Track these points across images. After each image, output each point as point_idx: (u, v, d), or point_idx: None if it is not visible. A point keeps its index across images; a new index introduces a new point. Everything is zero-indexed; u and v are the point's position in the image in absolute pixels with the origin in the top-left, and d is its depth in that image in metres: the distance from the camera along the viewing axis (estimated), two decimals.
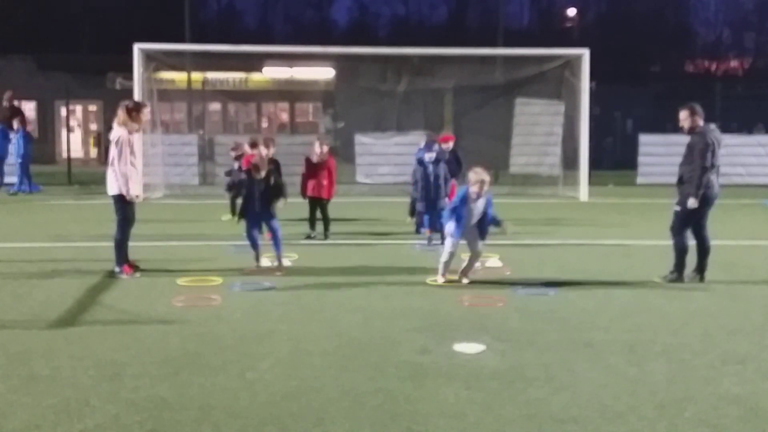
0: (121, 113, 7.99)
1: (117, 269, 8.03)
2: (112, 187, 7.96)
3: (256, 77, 32.02)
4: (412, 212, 11.11)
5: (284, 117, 34.76)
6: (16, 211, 14.25)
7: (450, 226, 7.75)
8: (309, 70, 31.62)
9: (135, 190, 7.98)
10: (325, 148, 10.76)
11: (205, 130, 24.47)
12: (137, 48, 16.92)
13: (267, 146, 10.57)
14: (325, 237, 10.64)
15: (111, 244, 8.12)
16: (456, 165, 11.45)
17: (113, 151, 7.93)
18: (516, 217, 13.42)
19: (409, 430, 4.09)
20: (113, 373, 4.94)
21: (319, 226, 10.80)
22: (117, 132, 7.95)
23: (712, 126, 7.90)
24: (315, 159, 10.72)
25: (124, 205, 8.02)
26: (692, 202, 7.72)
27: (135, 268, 8.21)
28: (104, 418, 4.20)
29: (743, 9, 51.74)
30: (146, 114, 8.27)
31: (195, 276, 7.98)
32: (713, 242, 8.09)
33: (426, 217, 10.56)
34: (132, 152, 7.93)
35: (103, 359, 5.22)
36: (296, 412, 4.32)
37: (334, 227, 10.93)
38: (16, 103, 19.63)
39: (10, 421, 4.16)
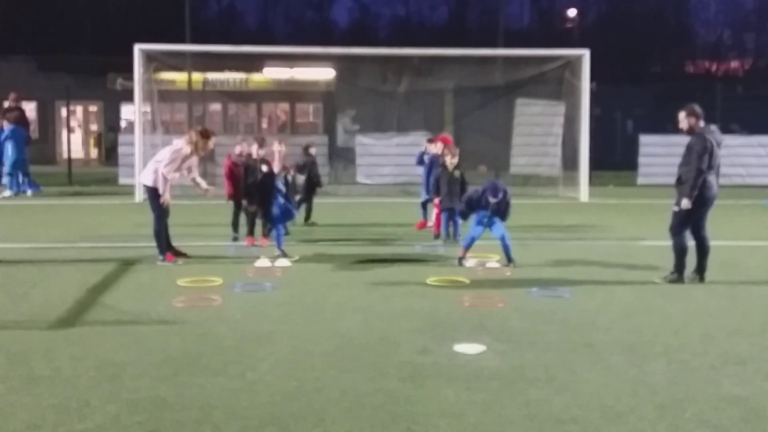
0: (194, 135, 8.55)
1: (160, 257, 8.50)
2: (148, 177, 8.50)
3: (256, 78, 32.01)
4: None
5: (284, 117, 34.78)
6: (16, 211, 14.25)
7: None
8: (309, 70, 31.63)
9: (167, 195, 8.60)
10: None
11: None
12: (138, 48, 16.93)
13: (260, 145, 10.43)
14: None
15: (110, 244, 8.20)
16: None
17: (167, 154, 8.51)
18: (516, 217, 13.43)
19: (410, 431, 4.09)
20: (113, 373, 4.94)
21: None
22: (181, 144, 8.56)
23: (713, 127, 7.88)
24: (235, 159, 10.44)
25: (157, 200, 8.53)
26: (685, 203, 7.72)
27: (179, 254, 8.75)
28: (105, 419, 4.20)
29: (743, 10, 51.81)
30: (211, 144, 8.80)
31: (195, 276, 7.98)
32: (713, 243, 8.09)
33: (453, 218, 10.49)
34: (180, 167, 8.53)
35: (104, 360, 5.21)
36: (297, 412, 4.32)
37: (335, 227, 10.90)
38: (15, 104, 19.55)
39: (10, 422, 4.16)
